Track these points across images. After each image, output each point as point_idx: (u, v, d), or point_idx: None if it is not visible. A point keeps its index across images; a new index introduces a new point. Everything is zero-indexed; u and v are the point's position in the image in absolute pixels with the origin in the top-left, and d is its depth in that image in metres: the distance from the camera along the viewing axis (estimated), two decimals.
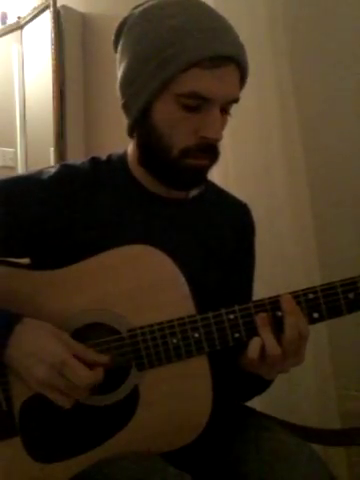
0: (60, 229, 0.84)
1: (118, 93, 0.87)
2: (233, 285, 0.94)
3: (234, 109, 1.42)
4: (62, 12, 2.13)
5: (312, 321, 0.76)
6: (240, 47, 0.80)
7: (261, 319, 0.75)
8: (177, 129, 0.80)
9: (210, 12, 0.81)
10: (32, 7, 2.28)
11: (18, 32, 2.37)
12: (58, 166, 0.89)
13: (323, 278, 1.34)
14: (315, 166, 1.50)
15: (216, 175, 1.36)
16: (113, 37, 0.87)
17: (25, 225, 0.84)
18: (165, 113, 0.80)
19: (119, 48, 0.85)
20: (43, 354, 0.71)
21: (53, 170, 0.88)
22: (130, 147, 0.91)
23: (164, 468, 0.74)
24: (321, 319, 0.76)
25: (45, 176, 0.86)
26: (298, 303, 0.75)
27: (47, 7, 2.15)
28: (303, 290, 0.76)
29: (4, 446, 0.78)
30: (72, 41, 2.15)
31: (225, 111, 0.82)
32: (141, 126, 0.84)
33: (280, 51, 1.42)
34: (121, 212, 0.87)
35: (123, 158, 0.91)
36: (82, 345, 0.75)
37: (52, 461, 0.78)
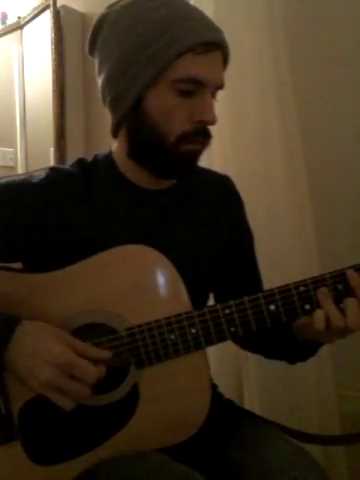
0: (53, 232, 0.84)
1: (104, 91, 0.86)
2: (236, 259, 0.97)
3: (234, 109, 1.43)
4: (62, 12, 2.14)
5: (305, 313, 0.78)
6: (223, 34, 0.83)
7: (322, 293, 0.76)
8: (173, 116, 0.81)
9: (188, 3, 0.84)
10: (32, 7, 2.28)
11: (18, 32, 2.37)
12: (47, 169, 0.89)
13: None
14: (315, 166, 1.50)
15: None
16: (89, 37, 0.87)
17: (19, 229, 0.84)
18: (160, 101, 0.81)
19: (100, 46, 0.85)
20: (47, 355, 0.71)
21: (43, 173, 0.88)
22: (114, 145, 0.91)
23: (170, 464, 0.75)
24: (313, 310, 0.77)
25: (36, 180, 0.86)
26: (290, 296, 0.77)
27: (47, 7, 2.16)
28: (294, 283, 0.77)
29: (4, 451, 0.77)
30: (72, 41, 2.16)
31: (212, 96, 0.84)
32: (132, 118, 0.84)
33: (280, 51, 1.42)
34: (112, 210, 0.87)
35: (109, 156, 0.92)
36: (83, 343, 0.75)
37: (53, 463, 0.77)
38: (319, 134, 1.56)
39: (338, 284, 0.76)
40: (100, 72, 0.86)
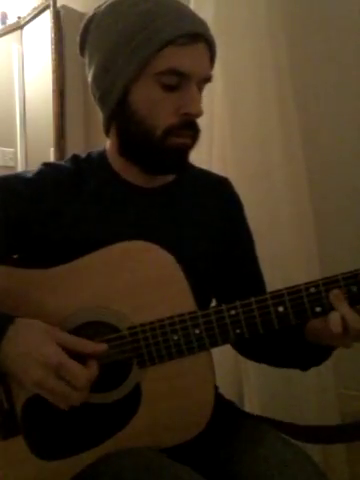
0: (47, 227, 0.84)
1: (93, 88, 0.87)
2: (236, 261, 0.96)
3: (234, 109, 1.43)
4: (62, 12, 2.13)
5: (315, 315, 0.75)
6: (207, 26, 0.83)
7: (335, 295, 0.73)
8: (158, 110, 0.81)
9: None
10: (32, 7, 2.28)
11: (18, 32, 2.37)
12: (40, 165, 0.89)
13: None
14: (315, 166, 1.50)
15: None
16: (79, 39, 0.88)
17: (13, 223, 0.83)
18: (145, 96, 0.81)
19: (88, 46, 0.86)
20: (37, 355, 0.70)
21: (36, 169, 0.88)
22: (108, 143, 0.92)
23: (162, 460, 0.75)
24: (324, 313, 0.74)
25: (29, 175, 0.87)
26: (300, 298, 0.74)
27: (47, 7, 2.16)
28: (305, 284, 0.74)
29: (7, 445, 0.77)
30: (72, 41, 2.14)
31: (199, 90, 0.84)
32: (120, 114, 0.84)
33: (280, 51, 1.42)
34: (105, 207, 0.87)
35: (102, 154, 0.92)
36: (77, 338, 0.74)
37: (56, 459, 0.77)
38: (319, 134, 1.56)
39: (352, 286, 0.73)
40: (89, 71, 0.87)
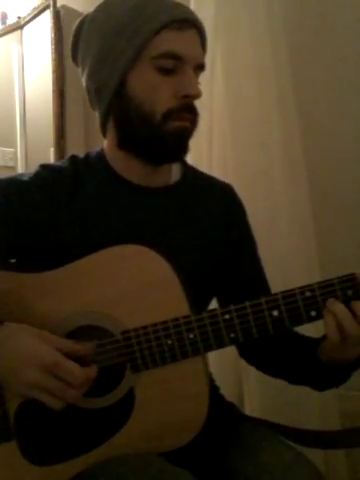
0: (44, 229, 0.83)
1: (88, 86, 0.87)
2: (240, 264, 0.95)
3: (235, 109, 1.43)
4: (62, 12, 2.13)
5: (310, 319, 0.74)
6: (196, 15, 0.85)
7: (331, 303, 0.72)
8: (157, 94, 0.81)
9: None
10: (32, 7, 2.28)
11: (18, 32, 2.37)
12: (36, 167, 0.89)
13: (323, 278, 1.33)
14: (315, 167, 1.50)
15: (216, 176, 1.37)
16: (71, 43, 0.88)
17: (11, 228, 0.83)
18: (143, 81, 0.82)
19: (81, 47, 0.86)
20: (31, 357, 0.70)
21: (32, 172, 0.88)
22: (105, 143, 0.92)
23: (161, 464, 0.74)
24: (319, 317, 0.74)
25: (25, 178, 0.86)
26: (295, 302, 0.73)
27: (47, 7, 2.15)
28: (300, 288, 0.74)
29: (0, 450, 0.77)
30: None
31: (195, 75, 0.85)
32: (118, 105, 0.84)
33: (280, 51, 1.42)
34: (104, 207, 0.86)
35: (101, 154, 0.91)
36: (66, 340, 0.74)
37: (48, 464, 0.77)
38: (319, 134, 1.56)
39: (347, 290, 0.72)
40: (83, 70, 0.87)
